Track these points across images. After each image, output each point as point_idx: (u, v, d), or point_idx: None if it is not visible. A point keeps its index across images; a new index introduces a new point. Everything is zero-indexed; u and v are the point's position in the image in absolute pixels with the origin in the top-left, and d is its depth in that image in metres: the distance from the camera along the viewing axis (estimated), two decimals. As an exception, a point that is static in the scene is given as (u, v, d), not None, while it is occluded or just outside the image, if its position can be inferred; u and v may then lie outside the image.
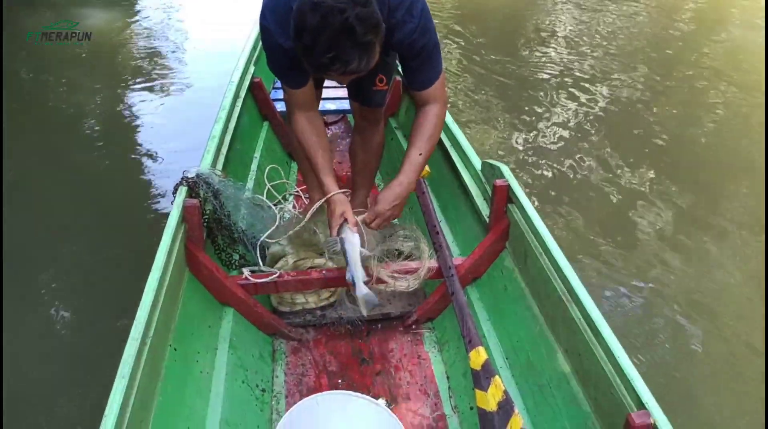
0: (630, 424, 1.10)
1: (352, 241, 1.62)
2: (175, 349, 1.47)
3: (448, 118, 2.29)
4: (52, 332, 2.46)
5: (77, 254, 2.88)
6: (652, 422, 1.10)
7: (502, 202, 1.79)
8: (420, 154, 1.66)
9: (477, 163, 2.00)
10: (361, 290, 1.61)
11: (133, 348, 1.21)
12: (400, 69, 1.82)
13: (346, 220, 1.64)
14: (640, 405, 1.14)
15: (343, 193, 1.69)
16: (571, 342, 1.43)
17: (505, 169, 1.80)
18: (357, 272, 1.61)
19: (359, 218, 1.66)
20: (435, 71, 1.64)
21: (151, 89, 4.81)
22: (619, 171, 3.71)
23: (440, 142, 2.30)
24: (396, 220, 2.39)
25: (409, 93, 1.70)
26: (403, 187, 1.66)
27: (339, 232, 1.64)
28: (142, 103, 4.56)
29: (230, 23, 6.04)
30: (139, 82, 4.92)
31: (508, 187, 1.77)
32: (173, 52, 5.70)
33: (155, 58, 5.47)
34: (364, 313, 1.68)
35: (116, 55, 5.48)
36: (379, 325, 1.98)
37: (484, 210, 1.90)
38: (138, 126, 4.24)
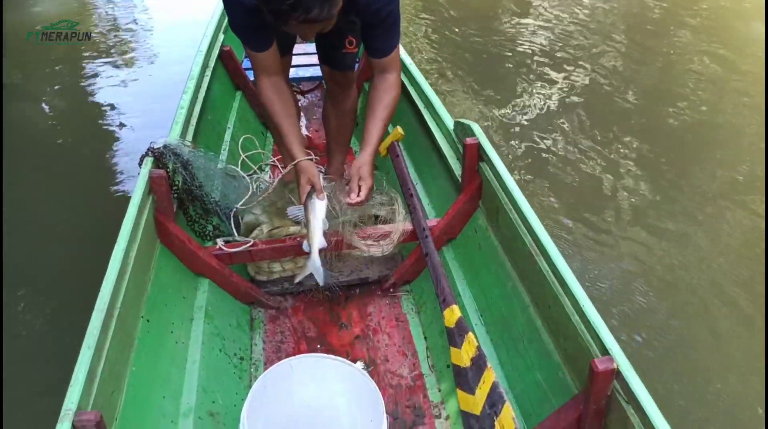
0: (594, 369, 1.11)
1: (315, 210, 1.61)
2: (148, 321, 1.46)
3: (421, 79, 2.27)
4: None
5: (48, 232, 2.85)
6: (615, 367, 1.11)
7: (473, 161, 1.78)
8: (384, 123, 1.70)
9: (449, 122, 1.98)
10: (315, 262, 1.61)
11: (98, 319, 1.21)
12: None
13: (313, 187, 1.63)
14: (605, 351, 1.15)
15: (310, 159, 1.67)
16: (540, 295, 1.44)
17: (476, 128, 1.79)
18: (314, 241, 1.61)
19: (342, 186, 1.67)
20: (396, 39, 1.67)
21: (114, 65, 4.70)
22: (596, 145, 3.66)
23: (413, 104, 2.28)
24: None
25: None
26: (374, 156, 1.71)
27: (306, 200, 1.63)
28: (107, 82, 4.44)
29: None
30: (102, 59, 4.79)
31: (479, 146, 1.76)
32: (136, 27, 5.54)
33: (117, 33, 5.31)
34: (320, 282, 1.66)
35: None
36: (357, 290, 1.98)
37: (457, 170, 1.89)
38: (102, 106, 4.13)
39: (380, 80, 1.70)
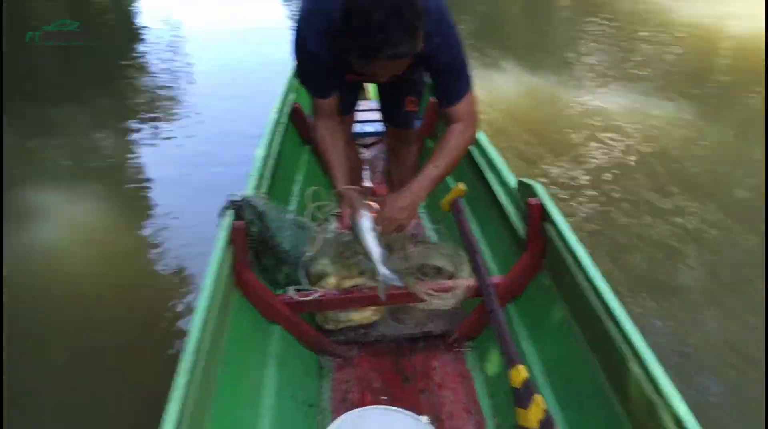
0: None
1: (361, 224, 1.66)
2: (227, 367, 1.55)
3: (482, 137, 2.34)
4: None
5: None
6: None
7: (536, 221, 1.82)
8: (436, 167, 1.71)
9: (512, 181, 2.04)
10: (381, 270, 1.65)
11: (187, 364, 1.29)
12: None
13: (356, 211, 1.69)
14: (678, 422, 1.14)
15: (353, 189, 1.75)
16: (609, 359, 1.44)
17: (539, 188, 1.83)
18: (373, 253, 1.65)
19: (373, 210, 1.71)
20: (461, 89, 1.69)
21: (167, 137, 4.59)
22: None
23: (474, 162, 2.34)
24: (435, 239, 2.44)
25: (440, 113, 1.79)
26: (412, 194, 1.71)
27: (352, 223, 1.70)
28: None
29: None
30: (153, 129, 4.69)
31: (542, 206, 1.80)
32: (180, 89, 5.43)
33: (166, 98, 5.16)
34: (381, 296, 1.70)
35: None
36: (421, 344, 2.01)
37: (520, 228, 1.93)
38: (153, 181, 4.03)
39: (447, 131, 1.74)
